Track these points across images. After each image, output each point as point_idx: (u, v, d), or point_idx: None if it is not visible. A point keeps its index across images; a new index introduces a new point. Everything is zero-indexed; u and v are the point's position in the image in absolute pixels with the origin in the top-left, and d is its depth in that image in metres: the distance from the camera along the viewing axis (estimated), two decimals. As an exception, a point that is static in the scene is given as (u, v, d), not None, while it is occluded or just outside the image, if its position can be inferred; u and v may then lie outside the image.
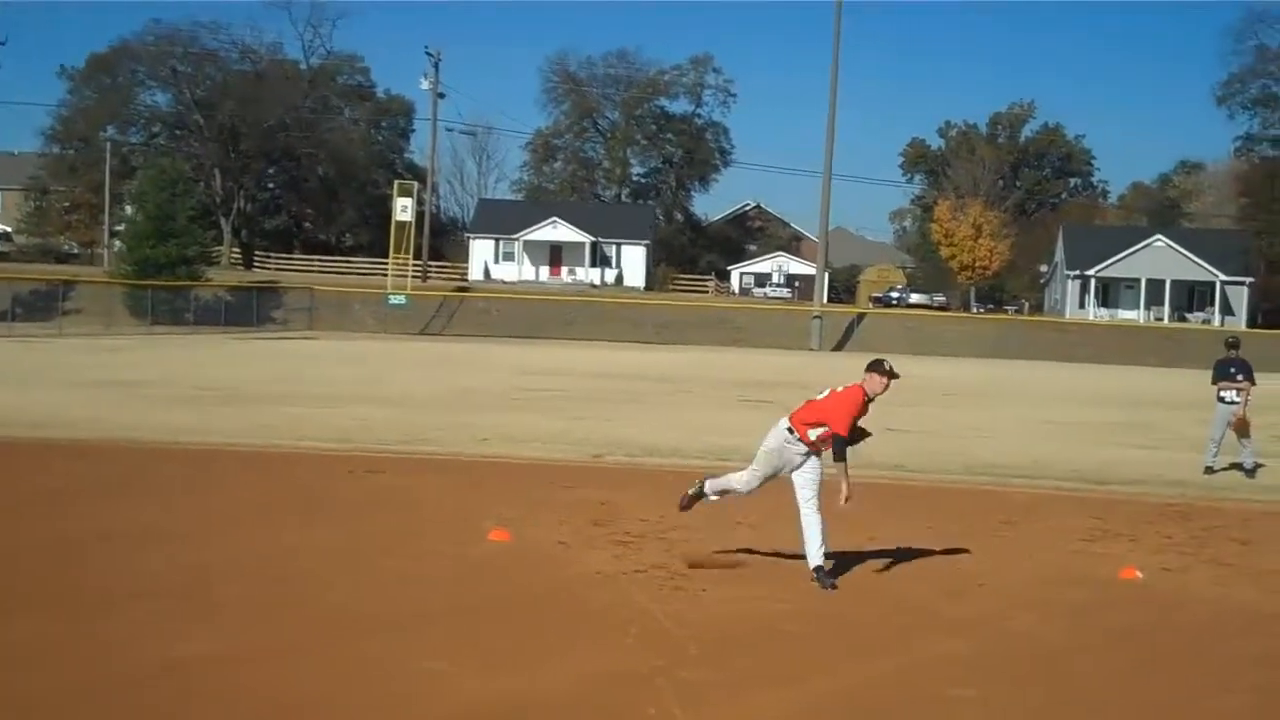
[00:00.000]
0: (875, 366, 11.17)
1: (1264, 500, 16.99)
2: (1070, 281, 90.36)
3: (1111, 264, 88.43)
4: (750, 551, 11.99)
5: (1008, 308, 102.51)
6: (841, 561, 11.56)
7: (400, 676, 7.88)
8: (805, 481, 11.01)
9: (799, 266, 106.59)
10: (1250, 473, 19.09)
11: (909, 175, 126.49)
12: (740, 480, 11.32)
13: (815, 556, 10.89)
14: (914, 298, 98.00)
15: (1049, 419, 27.69)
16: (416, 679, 7.86)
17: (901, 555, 12.15)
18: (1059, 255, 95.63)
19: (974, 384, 37.99)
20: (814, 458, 11.07)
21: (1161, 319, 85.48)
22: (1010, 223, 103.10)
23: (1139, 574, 11.60)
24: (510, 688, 7.80)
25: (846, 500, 10.79)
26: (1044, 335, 70.21)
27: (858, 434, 11.19)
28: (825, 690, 8.04)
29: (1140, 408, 31.90)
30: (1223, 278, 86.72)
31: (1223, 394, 19.38)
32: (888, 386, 11.14)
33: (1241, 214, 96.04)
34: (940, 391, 34.53)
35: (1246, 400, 19.32)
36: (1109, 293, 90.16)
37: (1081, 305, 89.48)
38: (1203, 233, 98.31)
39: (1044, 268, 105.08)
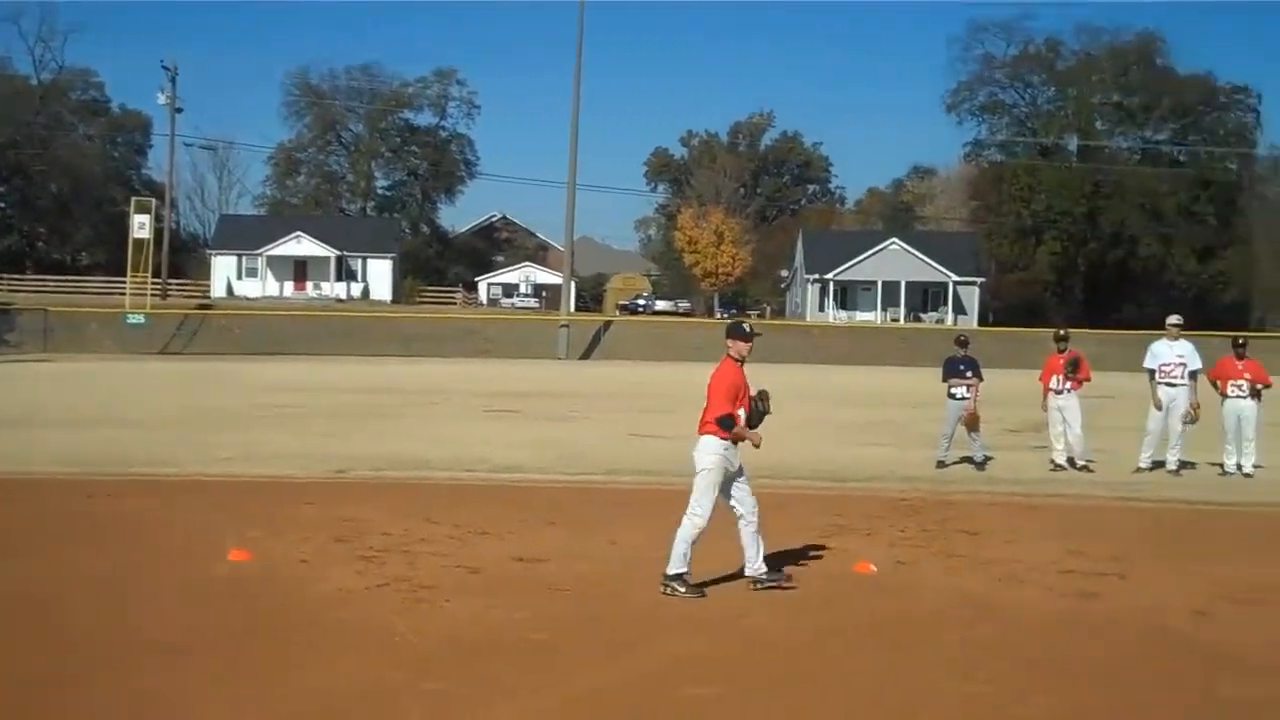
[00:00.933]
0: (734, 331, 11.32)
1: (991, 492, 17.63)
2: (810, 285, 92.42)
3: (849, 267, 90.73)
4: (528, 558, 11.98)
5: (750, 312, 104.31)
6: (585, 568, 11.65)
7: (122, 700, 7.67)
8: (745, 479, 11.11)
9: (546, 276, 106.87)
10: (980, 465, 19.78)
11: (653, 184, 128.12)
12: (690, 529, 10.92)
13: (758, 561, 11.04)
14: (660, 305, 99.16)
15: (790, 420, 28.17)
16: (136, 700, 7.66)
17: (638, 559, 12.26)
18: (799, 260, 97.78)
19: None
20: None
21: (898, 320, 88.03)
22: (751, 229, 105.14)
23: (873, 567, 11.93)
24: (250, 711, 7.65)
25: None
26: (786, 338, 71.51)
27: (757, 412, 11.22)
28: (569, 695, 8.07)
29: (878, 406, 32.75)
30: (955, 278, 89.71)
31: (953, 390, 20.02)
32: (751, 346, 11.18)
33: (972, 217, 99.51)
34: (685, 397, 34.88)
35: (976, 396, 20.00)
36: (847, 295, 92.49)
37: (821, 308, 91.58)
38: (936, 235, 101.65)
39: (785, 272, 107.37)
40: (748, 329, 11.34)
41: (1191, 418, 19.24)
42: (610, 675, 8.54)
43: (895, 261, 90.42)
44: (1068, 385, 19.78)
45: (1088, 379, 20.05)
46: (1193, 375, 19.34)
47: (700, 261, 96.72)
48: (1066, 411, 19.77)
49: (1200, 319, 70.98)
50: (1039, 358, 20.83)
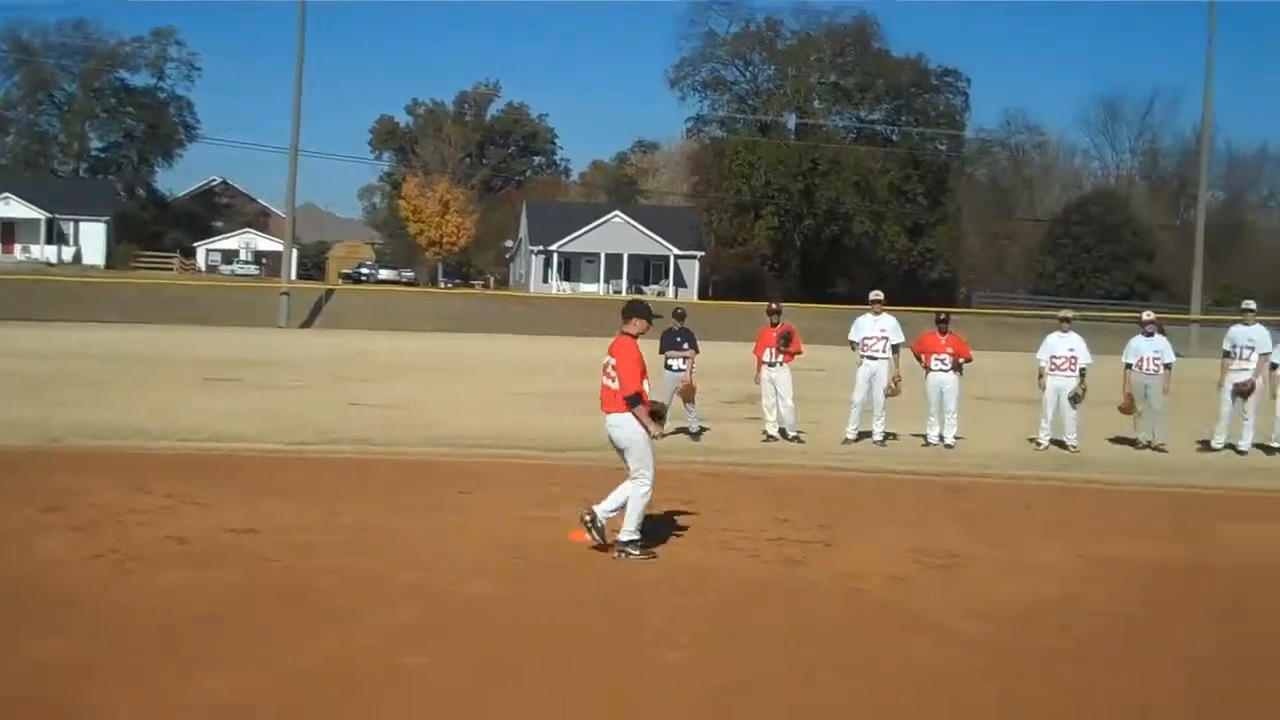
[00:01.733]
0: (637, 310, 12.03)
1: (706, 462, 17.99)
2: (534, 256, 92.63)
3: (573, 239, 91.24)
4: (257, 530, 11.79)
5: (474, 282, 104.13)
6: (303, 538, 11.57)
7: None
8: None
9: (267, 243, 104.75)
10: (695, 436, 20.19)
11: (378, 152, 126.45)
12: (643, 497, 11.53)
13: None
14: (383, 274, 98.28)
15: (513, 390, 28.35)
16: None
17: (357, 528, 12.23)
18: (523, 231, 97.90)
19: (441, 358, 38.38)
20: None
21: (620, 292, 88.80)
22: (477, 200, 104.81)
23: (588, 536, 12.10)
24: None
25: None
26: (510, 309, 71.64)
27: (658, 408, 11.98)
28: (281, 668, 8.01)
29: (597, 377, 33.05)
30: (676, 252, 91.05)
31: (670, 362, 20.34)
32: (649, 324, 11.95)
33: (693, 191, 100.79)
34: (407, 366, 34.79)
35: (692, 368, 20.37)
36: (571, 267, 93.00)
37: (545, 279, 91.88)
38: (658, 209, 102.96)
39: (509, 243, 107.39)
40: (642, 308, 12.04)
41: (893, 390, 19.96)
42: (324, 647, 8.51)
43: (618, 234, 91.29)
44: (780, 358, 20.28)
45: (799, 352, 20.57)
46: (894, 349, 20.05)
47: (425, 231, 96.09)
48: (779, 383, 20.29)
49: (910, 294, 73.55)
50: (754, 331, 21.31)
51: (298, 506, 13.28)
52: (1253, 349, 20.54)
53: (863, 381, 20.00)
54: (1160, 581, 11.35)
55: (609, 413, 11.69)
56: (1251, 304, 21.61)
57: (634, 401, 11.45)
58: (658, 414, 11.92)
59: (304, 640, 8.63)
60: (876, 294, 20.51)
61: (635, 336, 11.83)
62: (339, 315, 64.97)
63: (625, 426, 11.57)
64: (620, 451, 11.75)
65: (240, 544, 11.34)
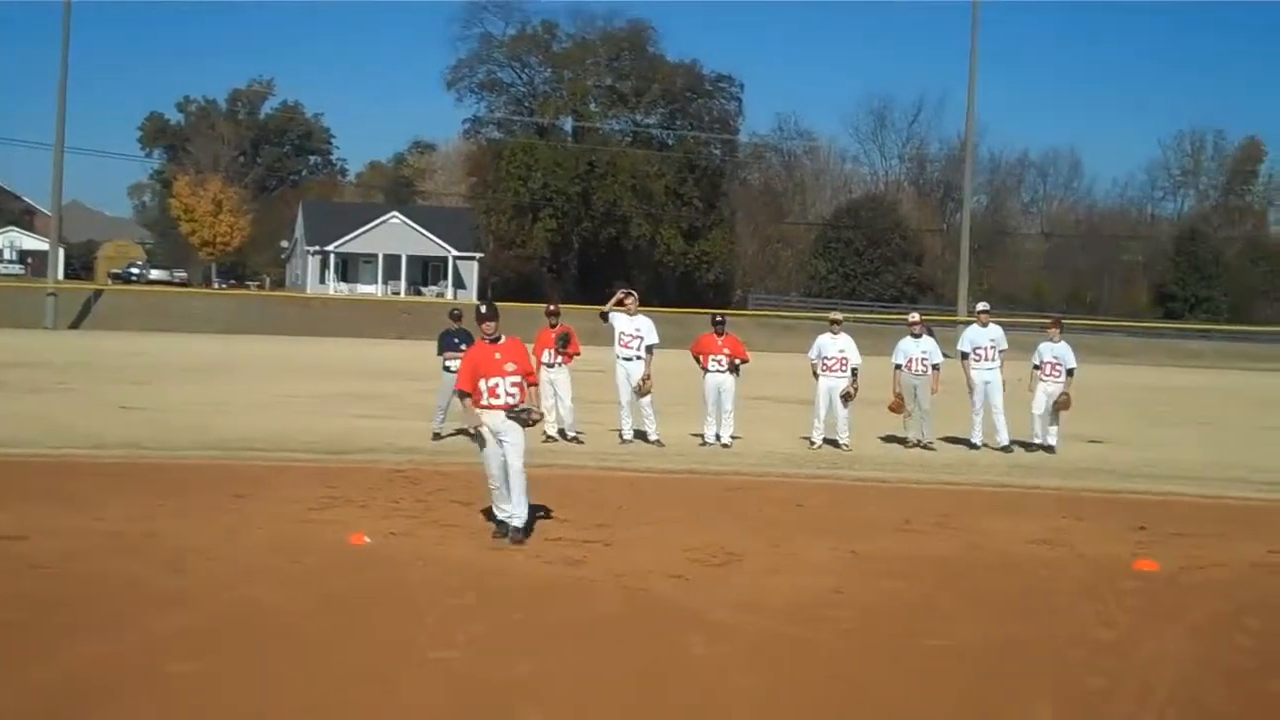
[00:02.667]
0: (476, 314, 12.98)
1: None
2: (311, 257, 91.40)
3: (350, 240, 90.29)
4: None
5: (250, 283, 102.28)
6: (67, 544, 11.27)
7: None
8: (511, 444, 12.47)
9: (32, 242, 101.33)
10: (475, 437, 20.06)
11: (148, 150, 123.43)
12: (491, 473, 12.56)
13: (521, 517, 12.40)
14: (154, 274, 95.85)
15: (288, 392, 27.96)
16: None
17: (123, 534, 11.97)
18: (299, 231, 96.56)
19: (214, 359, 37.65)
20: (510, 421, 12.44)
21: (398, 293, 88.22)
22: (251, 199, 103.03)
23: (367, 539, 12.02)
24: None
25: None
26: (286, 310, 70.62)
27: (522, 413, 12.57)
28: (43, 677, 7.79)
29: (376, 379, 32.80)
30: (455, 253, 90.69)
31: (448, 364, 20.27)
32: (493, 325, 12.76)
33: (471, 192, 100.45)
34: (180, 368, 34.07)
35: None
36: (349, 268, 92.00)
37: (322, 280, 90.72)
38: (436, 210, 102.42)
39: (285, 243, 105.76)
40: (483, 309, 12.93)
41: (643, 390, 20.17)
42: (90, 654, 8.30)
43: (396, 235, 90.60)
44: (559, 359, 20.39)
45: (578, 353, 20.69)
46: (648, 350, 20.30)
47: (197, 230, 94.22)
48: (558, 384, 20.38)
49: (687, 297, 74.45)
50: (532, 332, 21.35)
51: (66, 512, 12.93)
52: (994, 347, 21.39)
53: (626, 384, 20.32)
54: (926, 575, 11.68)
55: None
56: (985, 305, 22.58)
57: (461, 396, 12.61)
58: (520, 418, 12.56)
59: (69, 648, 8.40)
60: (628, 292, 20.80)
61: (486, 338, 12.75)
62: (109, 316, 63.29)
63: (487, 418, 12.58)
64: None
65: (8, 551, 11.00)
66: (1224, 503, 17.06)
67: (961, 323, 59.97)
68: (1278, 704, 8.21)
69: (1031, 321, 45.96)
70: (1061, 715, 7.80)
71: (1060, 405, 20.97)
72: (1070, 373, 21.08)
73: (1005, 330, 22.20)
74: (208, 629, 9.01)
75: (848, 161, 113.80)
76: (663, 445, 20.12)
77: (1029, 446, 21.08)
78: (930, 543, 13.27)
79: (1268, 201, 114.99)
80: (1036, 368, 21.28)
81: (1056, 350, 21.23)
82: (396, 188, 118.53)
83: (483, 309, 12.99)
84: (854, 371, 20.68)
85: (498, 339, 12.75)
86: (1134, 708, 7.95)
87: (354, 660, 8.41)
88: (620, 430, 20.36)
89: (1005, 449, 20.90)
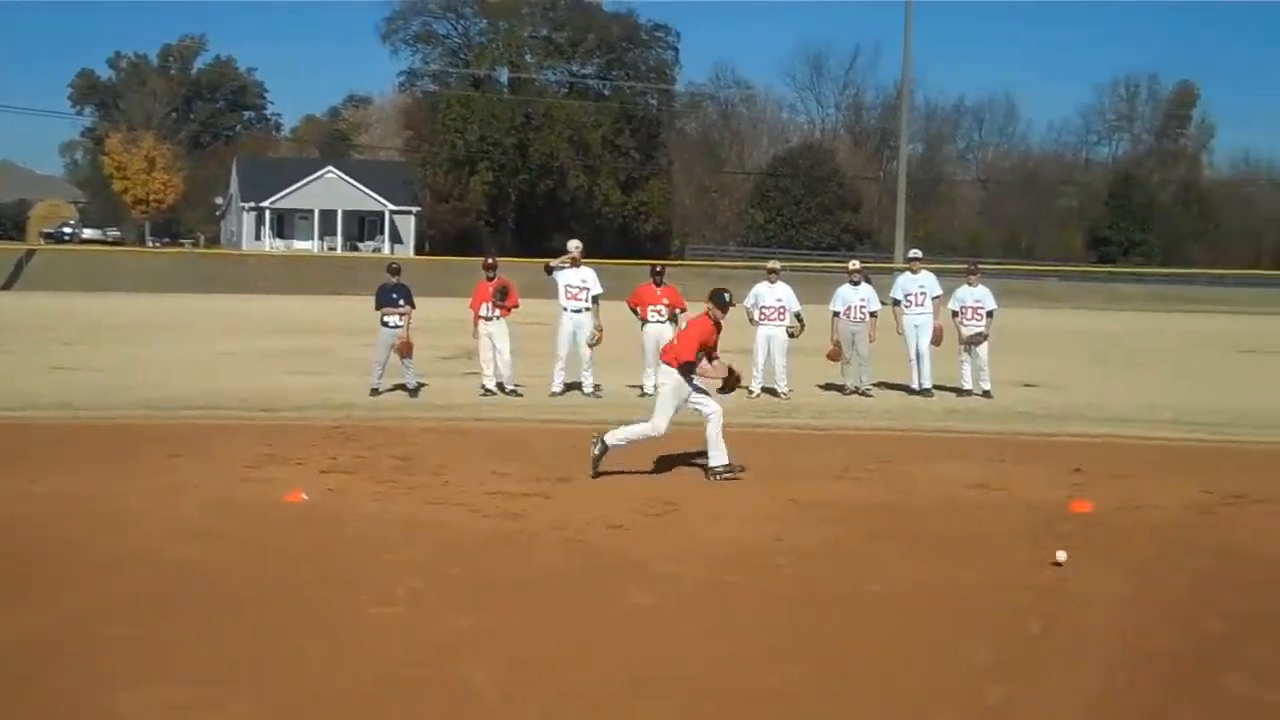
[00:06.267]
0: (713, 298, 13.72)
1: (423, 418, 17.92)
2: (246, 214, 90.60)
3: (285, 195, 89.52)
4: None
5: (184, 241, 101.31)
6: (3, 509, 11.16)
7: None
8: (700, 400, 13.55)
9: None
10: (413, 392, 20.06)
11: (79, 107, 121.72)
12: (649, 428, 13.48)
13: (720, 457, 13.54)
14: (87, 233, 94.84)
15: (225, 350, 27.71)
16: None
17: (62, 496, 11.86)
18: (234, 188, 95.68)
19: (148, 319, 37.20)
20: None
21: (335, 249, 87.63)
22: (184, 156, 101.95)
23: (305, 496, 11.96)
24: None
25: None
26: (221, 268, 69.96)
27: (730, 380, 13.77)
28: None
29: (313, 335, 32.55)
30: (391, 208, 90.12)
31: (386, 319, 20.17)
32: (726, 314, 13.77)
33: (407, 146, 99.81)
34: (114, 327, 33.67)
35: (408, 323, 20.25)
36: (284, 224, 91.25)
37: (258, 237, 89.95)
38: (372, 164, 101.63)
39: (220, 200, 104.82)
40: (727, 299, 13.82)
41: (596, 339, 20.18)
42: (28, 618, 8.23)
43: (332, 190, 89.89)
44: (497, 312, 20.30)
45: (516, 306, 20.61)
46: (594, 300, 20.27)
47: (131, 188, 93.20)
48: (496, 338, 20.31)
49: (625, 248, 74.34)
50: (471, 285, 21.25)
51: (-2, 475, 12.80)
52: (925, 294, 21.60)
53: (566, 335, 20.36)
54: (865, 521, 11.75)
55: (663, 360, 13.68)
56: (918, 253, 22.76)
57: (688, 369, 13.35)
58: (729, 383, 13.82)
59: (6, 614, 8.32)
60: (574, 243, 20.69)
61: (714, 320, 13.65)
62: (41, 277, 62.45)
63: (661, 374, 13.79)
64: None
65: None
66: (1157, 444, 17.23)
67: (899, 270, 60.40)
68: (1214, 641, 8.30)
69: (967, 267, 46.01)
70: (1001, 657, 7.86)
71: (973, 340, 21.08)
72: (990, 314, 21.27)
73: (940, 277, 22.33)
74: (146, 591, 8.95)
75: (784, 110, 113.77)
76: (600, 396, 20.10)
77: (960, 392, 21.22)
78: (869, 489, 13.35)
79: (1200, 145, 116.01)
80: (955, 314, 21.40)
81: (976, 294, 21.40)
82: (332, 142, 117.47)
83: (726, 298, 13.90)
84: (796, 315, 20.76)
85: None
86: (1072, 648, 8.05)
87: (294, 618, 8.38)
88: (551, 383, 20.30)
89: (925, 393, 21.09)
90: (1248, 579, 9.92)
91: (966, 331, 21.18)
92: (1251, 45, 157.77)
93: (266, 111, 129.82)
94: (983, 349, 21.18)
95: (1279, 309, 60.87)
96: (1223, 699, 7.24)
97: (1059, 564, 9.96)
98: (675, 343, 13.89)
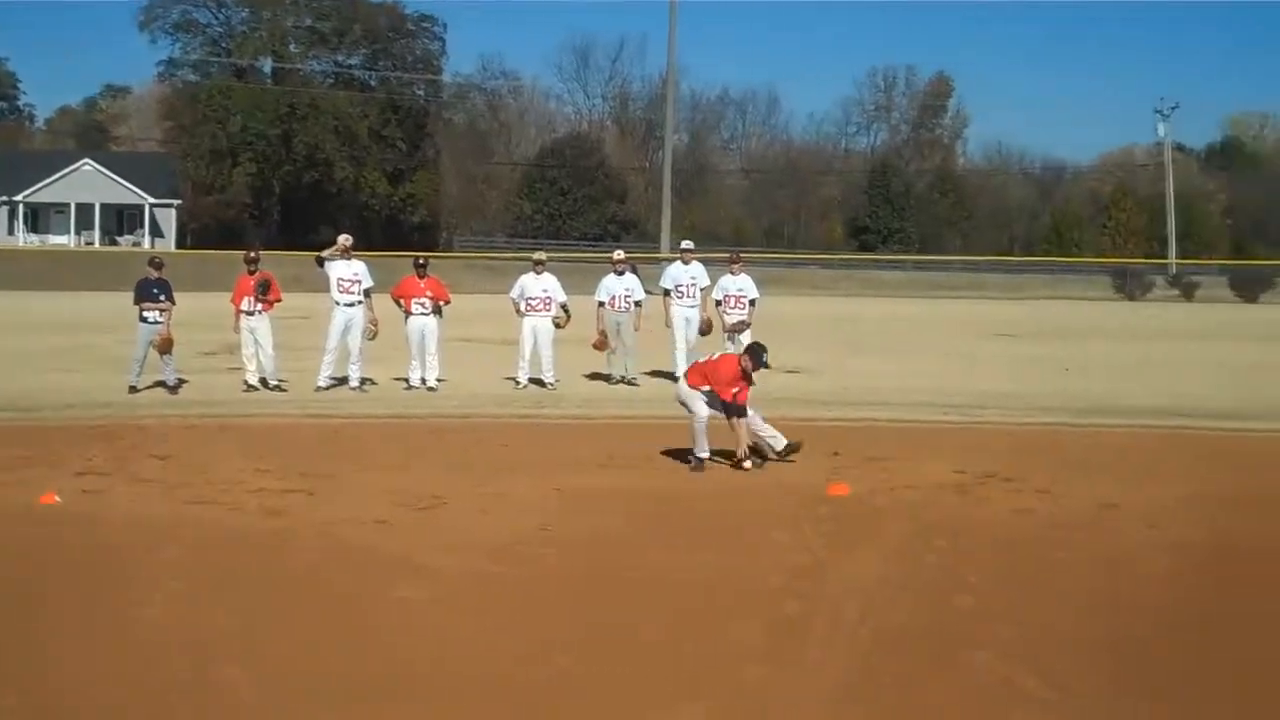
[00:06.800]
0: (752, 353, 14.42)
1: (185, 415, 17.59)
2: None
3: (40, 189, 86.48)
4: None
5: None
6: None
7: None
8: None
9: None
10: (173, 389, 19.64)
11: None
12: (694, 420, 14.06)
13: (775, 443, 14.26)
14: None
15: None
16: None
17: None
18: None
19: (-107, 318, 35.81)
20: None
21: (93, 243, 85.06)
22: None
23: (58, 498, 11.66)
24: None
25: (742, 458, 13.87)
26: (-28, 264, 67.47)
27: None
28: None
29: (70, 332, 31.58)
30: (151, 200, 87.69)
31: (145, 314, 19.73)
32: (755, 371, 14.23)
33: (166, 137, 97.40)
34: None
35: (169, 319, 19.83)
36: (39, 218, 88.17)
37: (11, 232, 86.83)
38: (131, 156, 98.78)
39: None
40: (765, 359, 14.47)
41: (373, 334, 20.06)
42: None
43: (89, 182, 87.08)
44: (259, 306, 20.02)
45: (279, 300, 20.36)
46: (366, 293, 20.12)
47: None
48: (258, 332, 20.02)
49: (393, 240, 73.74)
50: (233, 279, 20.90)
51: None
52: (695, 285, 21.91)
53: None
54: (630, 509, 11.91)
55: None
56: (689, 244, 23.09)
57: (736, 411, 13.84)
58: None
59: None
60: (344, 237, 20.52)
61: (741, 368, 14.07)
62: None
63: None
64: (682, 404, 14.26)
65: None
66: (913, 426, 17.79)
67: (665, 260, 61.01)
68: (963, 618, 8.61)
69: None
70: (760, 639, 8.05)
71: (736, 329, 21.47)
72: (753, 303, 21.67)
73: (707, 266, 22.66)
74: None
75: (552, 101, 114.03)
76: (366, 390, 19.96)
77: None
78: (634, 477, 13.53)
79: (955, 135, 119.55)
80: (719, 303, 21.76)
81: (739, 283, 21.75)
82: (89, 133, 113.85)
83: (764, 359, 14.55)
84: (562, 306, 20.89)
85: None
86: (829, 628, 8.27)
87: (49, 621, 8.18)
88: (318, 377, 20.08)
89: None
90: (997, 557, 10.32)
91: (729, 320, 21.52)
92: (1003, 38, 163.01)
93: (19, 102, 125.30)
94: (745, 337, 21.52)
95: (1030, 294, 63.26)
96: (970, 674, 7.52)
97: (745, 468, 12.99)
98: (718, 379, 13.93)
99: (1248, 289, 68.04)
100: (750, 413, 14.03)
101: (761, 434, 14.30)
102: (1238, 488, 13.45)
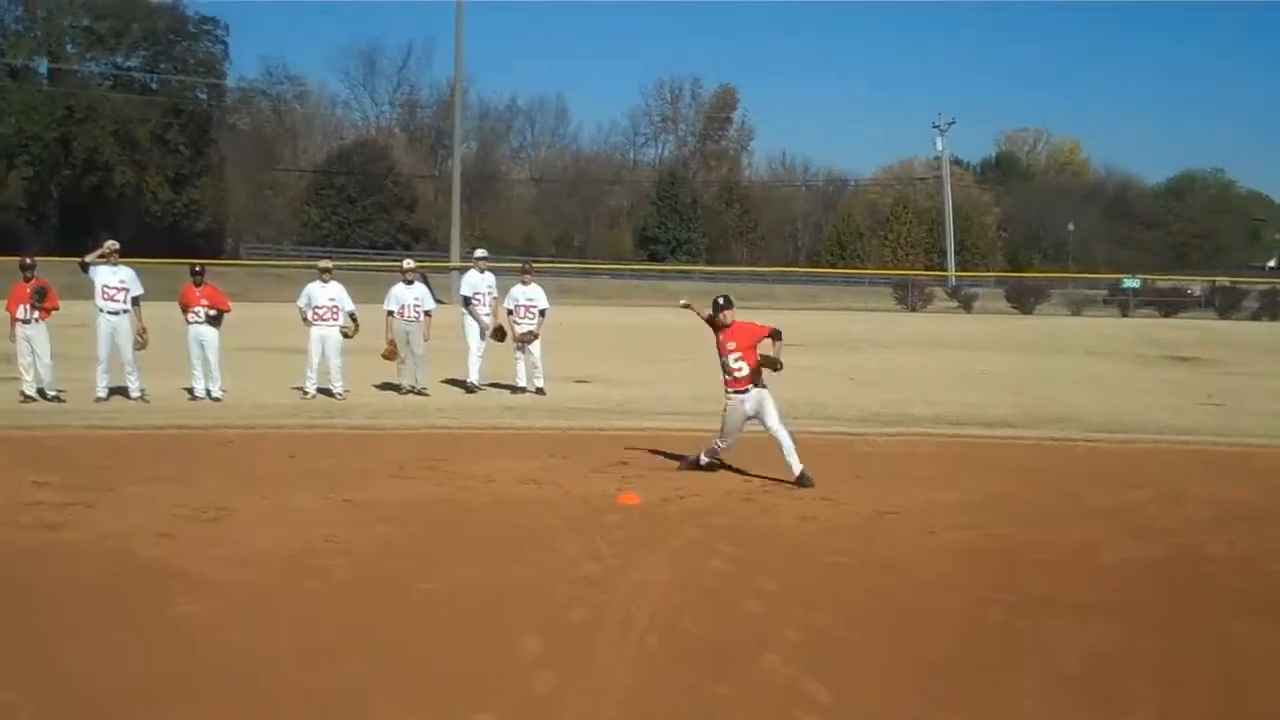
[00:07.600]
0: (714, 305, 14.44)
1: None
2: None
3: None
4: None
5: None
6: None
7: None
8: (767, 412, 14.20)
9: None
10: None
11: None
12: (720, 442, 14.54)
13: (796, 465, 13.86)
14: None
15: None
16: None
17: None
18: None
19: None
20: (758, 390, 14.38)
21: None
22: None
23: None
24: None
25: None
26: None
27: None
28: None
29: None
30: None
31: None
32: (715, 315, 14.41)
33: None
34: None
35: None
36: None
37: None
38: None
39: None
40: (720, 302, 14.42)
41: (141, 344, 19.63)
42: None
43: None
44: (35, 314, 19.48)
45: (56, 308, 19.84)
46: (134, 301, 19.69)
47: None
48: (35, 341, 19.47)
49: (176, 247, 72.08)
50: (8, 287, 20.27)
51: None
52: (492, 293, 22.23)
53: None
54: (419, 519, 11.85)
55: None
56: (483, 252, 23.29)
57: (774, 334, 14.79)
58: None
59: None
60: (112, 243, 20.05)
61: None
62: None
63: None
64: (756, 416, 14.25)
65: None
66: (703, 436, 17.95)
67: (455, 268, 60.78)
68: (750, 621, 8.76)
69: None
70: (550, 648, 8.08)
71: (525, 339, 21.62)
72: (543, 313, 21.84)
73: (497, 276, 22.77)
74: None
75: (339, 107, 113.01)
76: (148, 401, 19.52)
77: (515, 390, 21.68)
78: (423, 487, 13.46)
79: (740, 147, 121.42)
80: (510, 311, 21.86)
81: (530, 293, 21.96)
82: None
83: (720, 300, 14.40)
84: (350, 315, 20.72)
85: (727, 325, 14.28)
86: (617, 635, 8.34)
87: None
88: (95, 387, 19.59)
89: (471, 389, 21.70)
90: (783, 561, 10.51)
91: (520, 329, 21.60)
92: (786, 52, 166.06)
93: None
94: (535, 346, 21.66)
95: (816, 305, 64.51)
96: (758, 679, 7.64)
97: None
98: (746, 342, 14.44)
99: (1023, 300, 70.51)
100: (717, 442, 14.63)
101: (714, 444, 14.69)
102: (1009, 493, 13.92)
